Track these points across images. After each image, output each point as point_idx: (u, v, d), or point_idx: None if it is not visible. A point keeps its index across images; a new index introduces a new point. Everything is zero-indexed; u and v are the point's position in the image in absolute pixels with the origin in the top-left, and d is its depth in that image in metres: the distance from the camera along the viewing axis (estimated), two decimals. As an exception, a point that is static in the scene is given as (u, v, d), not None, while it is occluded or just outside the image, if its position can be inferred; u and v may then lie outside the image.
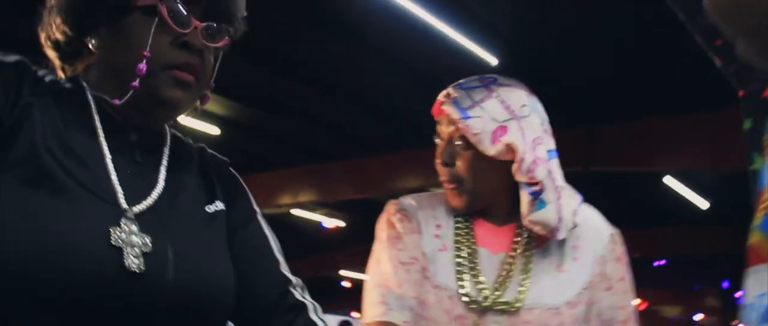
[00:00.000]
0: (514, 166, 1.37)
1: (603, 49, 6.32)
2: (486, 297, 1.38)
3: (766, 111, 2.60)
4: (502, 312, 1.38)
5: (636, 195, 11.19)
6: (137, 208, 0.89)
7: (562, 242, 1.44)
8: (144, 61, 0.90)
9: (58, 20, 0.96)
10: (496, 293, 1.39)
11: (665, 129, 7.56)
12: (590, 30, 5.93)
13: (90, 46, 0.96)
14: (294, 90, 7.88)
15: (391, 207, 1.50)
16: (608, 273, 1.44)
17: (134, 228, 0.86)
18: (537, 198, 1.38)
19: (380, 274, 1.43)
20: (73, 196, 0.84)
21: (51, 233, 0.80)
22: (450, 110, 1.40)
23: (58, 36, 0.97)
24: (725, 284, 15.90)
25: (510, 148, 1.36)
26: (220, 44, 0.97)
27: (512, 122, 1.38)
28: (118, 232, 0.84)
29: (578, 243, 1.44)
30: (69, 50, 0.98)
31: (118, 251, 0.83)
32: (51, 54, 0.99)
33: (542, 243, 1.44)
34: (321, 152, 9.81)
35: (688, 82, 6.54)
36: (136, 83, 0.90)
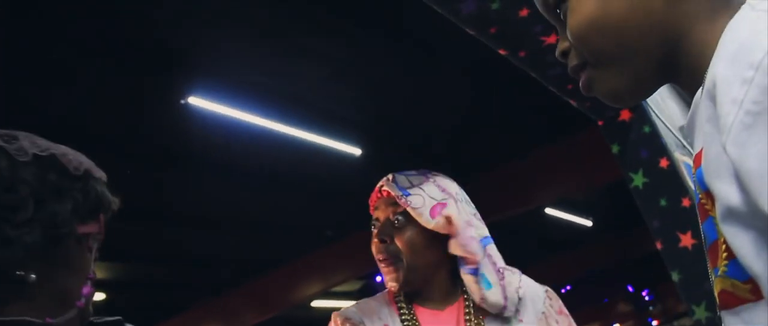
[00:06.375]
0: (452, 241, 1.45)
1: (454, 113, 6.58)
2: None
3: (627, 133, 2.80)
4: None
5: (524, 233, 11.58)
6: None
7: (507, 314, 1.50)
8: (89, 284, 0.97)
9: None
10: None
11: (532, 166, 7.87)
12: (433, 103, 6.17)
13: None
14: (172, 235, 7.67)
15: (336, 319, 1.52)
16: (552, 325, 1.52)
17: None
18: (477, 275, 1.45)
19: None
20: None
21: None
22: (390, 188, 1.48)
23: None
24: (630, 288, 16.57)
25: (449, 221, 1.44)
26: None
27: (450, 200, 1.47)
28: None
29: (520, 308, 1.51)
30: None
31: None
32: None
33: (487, 316, 1.49)
34: (223, 284, 9.45)
35: (535, 120, 6.90)
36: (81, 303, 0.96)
